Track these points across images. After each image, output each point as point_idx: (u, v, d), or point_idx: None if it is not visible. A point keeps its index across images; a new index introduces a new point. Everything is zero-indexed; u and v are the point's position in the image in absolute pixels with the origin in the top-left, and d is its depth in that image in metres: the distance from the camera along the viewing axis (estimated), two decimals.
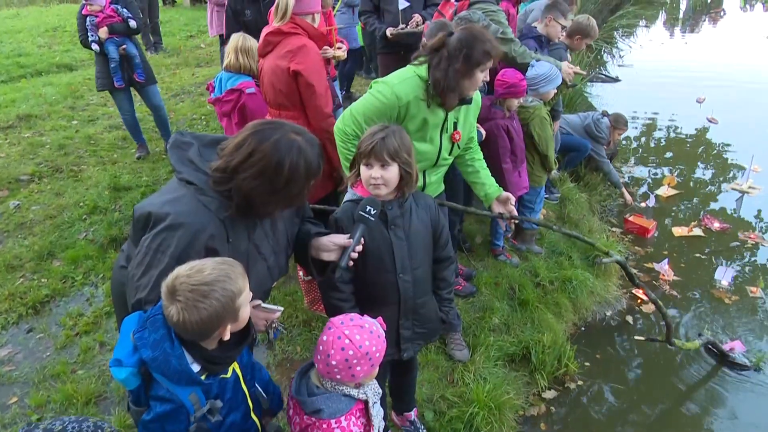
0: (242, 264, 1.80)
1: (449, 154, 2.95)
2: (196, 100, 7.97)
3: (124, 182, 5.51)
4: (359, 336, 1.82)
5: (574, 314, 4.19)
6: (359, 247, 2.08)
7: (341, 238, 2.10)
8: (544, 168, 4.30)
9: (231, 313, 1.62)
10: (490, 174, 3.11)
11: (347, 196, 2.40)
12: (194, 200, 1.78)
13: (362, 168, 2.19)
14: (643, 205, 5.85)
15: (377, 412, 2.00)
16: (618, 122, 5.68)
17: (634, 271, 3.34)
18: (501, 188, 3.06)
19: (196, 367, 1.67)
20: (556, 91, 4.18)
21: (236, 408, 1.85)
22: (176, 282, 1.57)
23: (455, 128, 2.89)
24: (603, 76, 9.80)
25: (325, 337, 1.85)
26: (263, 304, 2.00)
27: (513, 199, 3.02)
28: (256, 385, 2.01)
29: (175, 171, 1.86)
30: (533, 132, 4.07)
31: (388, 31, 5.04)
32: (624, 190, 5.77)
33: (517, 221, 3.09)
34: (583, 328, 4.21)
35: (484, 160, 3.14)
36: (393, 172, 2.14)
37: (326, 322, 1.93)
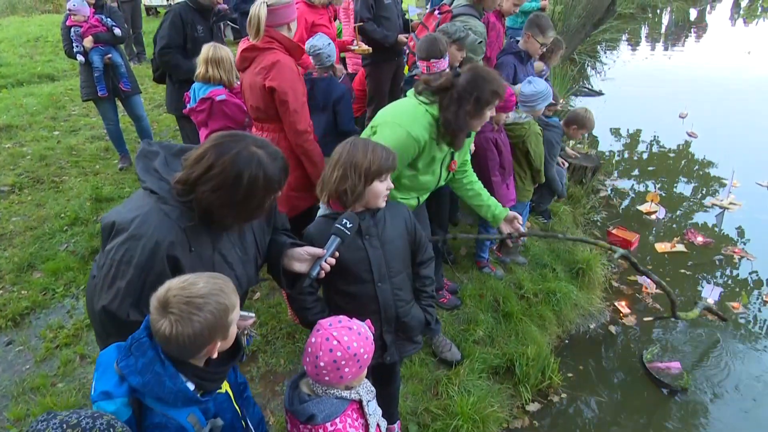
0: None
1: (444, 181, 3.05)
2: None
3: (106, 193, 5.50)
4: (347, 337, 1.85)
5: (558, 326, 4.24)
6: (332, 260, 2.09)
7: (316, 249, 2.12)
8: (533, 182, 4.38)
9: (222, 328, 1.61)
10: (492, 197, 3.18)
11: (320, 211, 2.42)
12: (156, 209, 1.79)
13: (374, 184, 2.21)
14: (653, 217, 5.94)
15: (374, 410, 2.03)
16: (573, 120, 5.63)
17: (635, 260, 3.49)
18: (506, 208, 3.14)
19: (190, 386, 1.64)
20: (544, 109, 4.28)
21: (231, 427, 1.83)
22: (169, 294, 1.54)
23: (452, 158, 2.97)
24: (586, 90, 9.95)
25: (313, 339, 1.88)
26: None
27: (520, 218, 3.11)
28: (248, 421, 1.99)
29: (140, 180, 1.88)
30: (529, 148, 4.14)
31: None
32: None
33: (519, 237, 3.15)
34: (566, 341, 4.26)
35: (480, 182, 3.21)
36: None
37: (309, 334, 1.96)
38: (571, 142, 6.06)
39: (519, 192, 4.27)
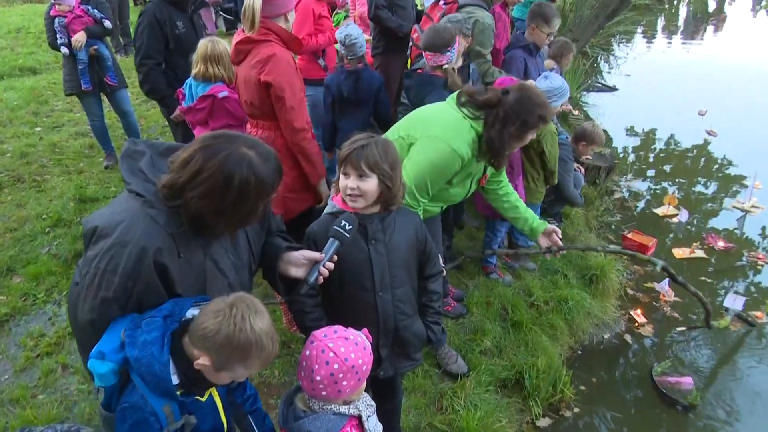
0: (199, 281, 1.82)
1: (471, 194, 3.09)
2: None
3: (90, 193, 5.49)
4: (344, 348, 1.83)
5: (570, 337, 4.23)
6: (331, 264, 2.08)
7: (314, 254, 2.10)
8: (546, 184, 4.37)
9: (240, 362, 1.68)
10: (529, 209, 3.20)
11: (327, 209, 2.42)
12: (142, 213, 1.77)
13: (341, 177, 2.21)
14: (675, 220, 5.92)
15: (374, 426, 2.01)
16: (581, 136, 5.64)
17: (673, 271, 3.54)
18: (545, 221, 3.15)
19: (175, 380, 1.70)
20: (561, 107, 4.26)
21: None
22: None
23: (484, 171, 2.99)
24: (600, 85, 9.94)
25: (308, 352, 1.86)
26: None
27: (559, 231, 3.13)
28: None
29: (125, 182, 1.86)
30: (545, 148, 4.13)
31: None
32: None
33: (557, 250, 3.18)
34: (579, 352, 4.24)
35: (516, 192, 3.22)
36: (371, 184, 2.15)
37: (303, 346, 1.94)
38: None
39: (530, 194, 4.26)
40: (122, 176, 1.86)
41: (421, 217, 2.75)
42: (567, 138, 4.88)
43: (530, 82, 3.86)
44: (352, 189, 2.15)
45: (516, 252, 3.69)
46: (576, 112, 6.89)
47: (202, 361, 1.66)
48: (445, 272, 2.86)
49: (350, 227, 2.09)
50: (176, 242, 1.80)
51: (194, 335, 1.67)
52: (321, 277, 2.07)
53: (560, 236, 3.14)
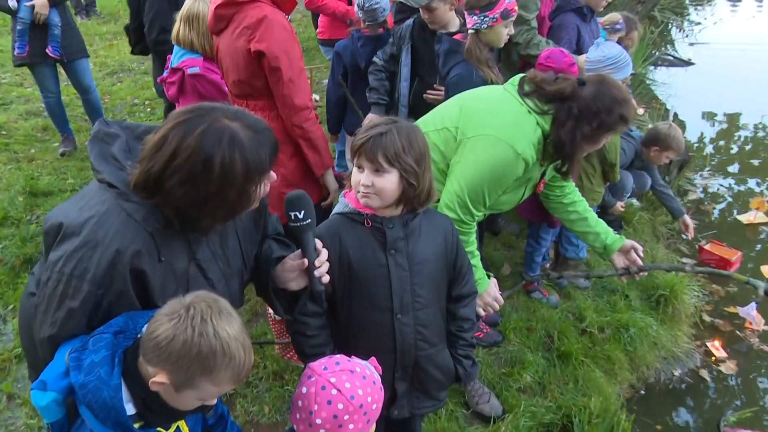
0: (182, 291, 1.79)
1: (522, 200, 3.07)
2: (138, 81, 8.02)
3: (43, 186, 5.53)
4: (350, 384, 1.82)
5: (631, 372, 4.19)
6: (322, 260, 2.04)
7: (295, 262, 2.08)
8: (604, 181, 4.34)
9: (205, 376, 1.62)
10: (601, 220, 3.18)
11: (337, 208, 2.40)
12: (116, 208, 1.77)
13: (353, 170, 2.19)
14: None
15: None
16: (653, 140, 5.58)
17: None
18: (622, 236, 3.12)
19: (130, 409, 1.66)
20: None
21: None
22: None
23: (542, 177, 2.97)
24: (671, 59, 9.88)
25: (305, 389, 1.84)
26: None
27: (639, 248, 3.09)
28: None
29: (94, 170, 1.86)
30: None
31: None
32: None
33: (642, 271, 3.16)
34: (642, 391, 4.21)
35: (586, 201, 3.21)
36: (389, 181, 2.12)
37: (299, 381, 1.93)
38: None
39: (584, 193, 4.22)
40: (91, 163, 1.87)
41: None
42: (638, 137, 4.86)
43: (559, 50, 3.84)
44: (365, 186, 2.13)
45: (590, 274, 3.63)
46: (641, 111, 6.75)
47: (158, 378, 1.61)
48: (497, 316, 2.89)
49: (303, 212, 2.02)
50: (156, 243, 1.80)
51: (146, 348, 1.62)
52: (324, 278, 2.04)
53: (641, 254, 3.09)
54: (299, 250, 2.08)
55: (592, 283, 4.67)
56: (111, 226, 1.74)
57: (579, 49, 4.53)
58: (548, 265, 4.71)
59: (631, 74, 4.38)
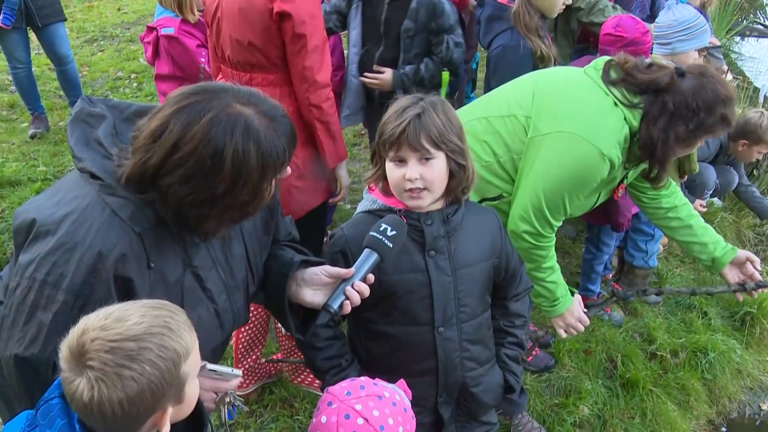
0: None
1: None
2: (123, 50, 8.08)
3: (9, 173, 5.58)
4: (378, 412, 1.82)
5: (710, 405, 4.18)
6: (364, 286, 2.03)
7: (339, 270, 2.07)
8: (679, 172, 4.28)
9: (173, 388, 1.56)
10: (708, 227, 3.15)
11: (362, 205, 2.39)
12: (99, 204, 1.76)
13: (388, 166, 2.17)
14: None
15: None
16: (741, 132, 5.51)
17: None
18: (734, 247, 3.10)
19: None
20: (698, 55, 4.17)
21: None
22: (85, 339, 1.49)
23: (621, 181, 2.96)
24: (761, 28, 9.82)
25: (324, 418, 1.84)
26: (209, 366, 1.94)
27: (757, 260, 3.06)
28: None
29: (75, 157, 1.85)
30: None
31: None
32: None
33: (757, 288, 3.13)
34: (724, 429, 4.20)
35: (690, 204, 3.18)
36: (439, 167, 2.11)
37: (316, 400, 1.93)
38: None
39: None
40: (71, 149, 1.86)
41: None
42: None
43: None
44: (412, 181, 2.11)
45: (693, 293, 3.55)
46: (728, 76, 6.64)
47: (163, 425, 1.57)
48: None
49: (394, 233, 2.04)
50: (146, 246, 1.80)
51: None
52: (349, 304, 2.03)
53: (758, 267, 3.05)
54: (329, 266, 2.09)
55: (665, 298, 4.64)
56: (92, 224, 1.74)
57: (652, 16, 4.50)
58: (611, 275, 4.67)
59: (710, 45, 4.34)
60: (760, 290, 3.09)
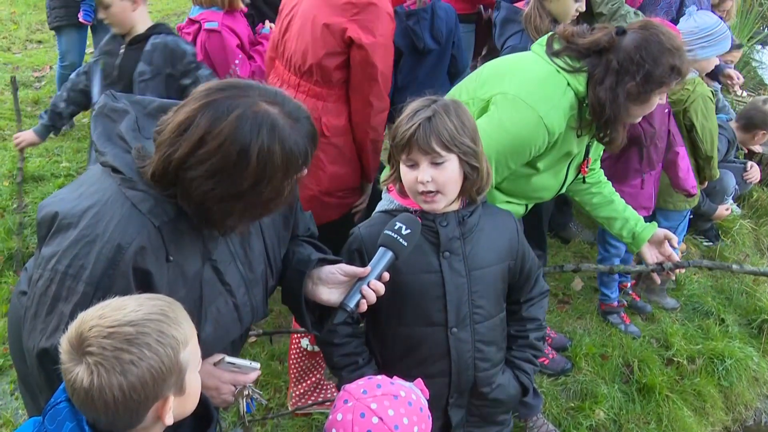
0: (192, 299, 1.81)
1: (566, 187, 3.04)
2: None
3: (33, 169, 5.58)
4: (393, 411, 1.83)
5: (726, 412, 4.17)
6: (380, 285, 2.05)
7: (355, 268, 2.08)
8: (701, 177, 4.27)
9: (174, 375, 1.55)
10: (628, 205, 3.14)
11: (380, 205, 2.42)
12: (119, 197, 1.79)
13: (402, 168, 2.20)
14: None
15: None
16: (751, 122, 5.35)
17: None
18: (654, 222, 3.09)
19: None
20: (718, 61, 4.16)
21: None
22: (83, 328, 1.50)
23: (587, 154, 2.95)
24: None
25: (340, 416, 1.86)
26: (228, 359, 1.98)
27: (675, 238, 3.05)
28: None
29: (97, 151, 1.87)
30: (694, 121, 4.03)
31: None
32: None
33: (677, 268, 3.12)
34: None
35: (609, 182, 3.17)
36: (451, 170, 2.13)
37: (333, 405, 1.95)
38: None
39: (670, 196, 4.19)
40: (94, 143, 1.88)
41: None
42: (726, 121, 4.79)
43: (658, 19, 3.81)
44: (425, 183, 2.13)
45: (611, 270, 3.54)
46: (739, 90, 6.50)
47: (165, 414, 1.56)
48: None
49: (409, 231, 2.05)
50: (164, 239, 1.81)
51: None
52: (365, 303, 2.04)
53: (677, 245, 3.05)
54: (345, 265, 2.11)
55: (681, 303, 4.62)
56: (112, 217, 1.76)
57: (677, 21, 4.49)
58: (630, 284, 4.65)
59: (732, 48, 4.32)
60: (677, 270, 3.14)
